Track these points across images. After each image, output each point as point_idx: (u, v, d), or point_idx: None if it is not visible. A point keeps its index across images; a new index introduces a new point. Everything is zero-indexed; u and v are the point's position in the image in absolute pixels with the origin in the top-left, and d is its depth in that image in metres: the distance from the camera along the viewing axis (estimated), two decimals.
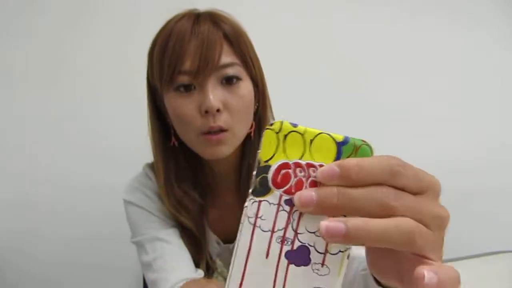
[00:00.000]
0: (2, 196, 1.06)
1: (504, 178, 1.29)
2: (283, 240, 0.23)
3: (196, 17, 0.57)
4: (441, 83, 1.26)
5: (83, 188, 1.08)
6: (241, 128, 0.60)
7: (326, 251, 0.23)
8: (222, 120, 0.56)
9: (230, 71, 0.56)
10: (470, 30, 1.27)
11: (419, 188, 0.24)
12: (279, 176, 0.24)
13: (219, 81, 0.56)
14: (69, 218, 1.09)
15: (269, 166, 0.24)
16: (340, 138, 0.24)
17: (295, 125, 0.24)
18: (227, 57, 0.56)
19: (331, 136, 0.24)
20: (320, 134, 0.24)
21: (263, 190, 0.24)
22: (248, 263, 0.23)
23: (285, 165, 0.24)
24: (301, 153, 0.24)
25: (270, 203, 0.24)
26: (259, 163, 0.24)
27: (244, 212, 0.24)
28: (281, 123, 0.24)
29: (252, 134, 0.63)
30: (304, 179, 0.23)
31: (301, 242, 0.23)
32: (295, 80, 1.13)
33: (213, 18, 0.58)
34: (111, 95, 1.08)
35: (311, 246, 0.23)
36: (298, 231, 0.23)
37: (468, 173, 1.26)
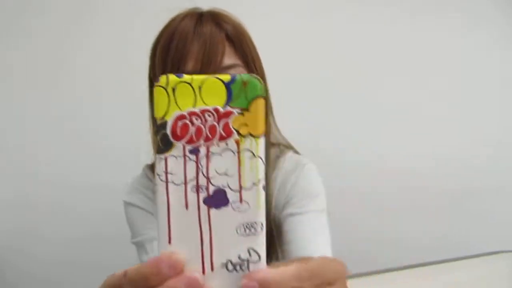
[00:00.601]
0: (2, 196, 1.07)
1: (503, 177, 1.29)
2: (197, 188, 0.24)
3: (199, 17, 0.58)
4: (440, 83, 1.26)
5: (83, 188, 1.08)
6: None
7: (241, 187, 0.24)
8: None
9: (232, 73, 0.57)
10: (470, 30, 1.27)
11: (328, 282, 0.24)
12: (178, 129, 0.24)
13: None
14: (69, 218, 1.09)
15: (166, 122, 0.24)
16: (227, 77, 0.24)
17: (180, 76, 0.24)
18: (229, 58, 0.56)
19: (218, 78, 0.24)
20: (207, 79, 0.24)
21: (166, 146, 0.24)
22: (171, 219, 0.24)
23: (180, 117, 0.24)
24: (193, 101, 0.24)
25: (176, 157, 0.24)
26: (156, 122, 0.24)
27: (155, 172, 0.24)
28: (167, 77, 0.24)
29: None
30: (202, 126, 0.24)
31: (215, 186, 0.24)
32: (294, 80, 1.13)
33: (216, 19, 0.58)
34: (111, 95, 1.08)
35: (225, 187, 0.24)
36: (209, 176, 0.24)
37: (467, 173, 1.26)
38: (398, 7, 1.22)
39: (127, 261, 1.01)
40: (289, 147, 0.70)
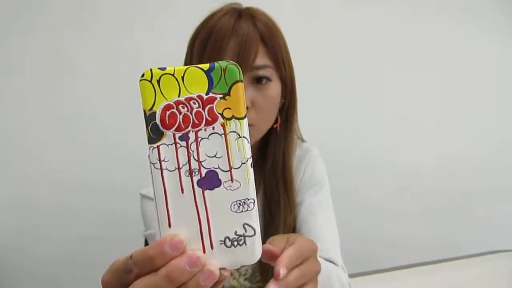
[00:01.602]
0: (1, 195, 1.07)
1: (503, 177, 1.30)
2: (190, 172, 0.26)
3: (238, 15, 0.59)
4: (441, 83, 1.27)
5: (84, 187, 1.08)
6: (266, 123, 0.62)
7: (231, 167, 0.26)
8: (249, 117, 0.57)
9: (262, 73, 0.58)
10: (472, 31, 1.27)
11: (306, 258, 0.32)
12: (166, 118, 0.26)
13: (250, 81, 0.58)
14: (69, 217, 1.09)
15: (155, 112, 0.26)
16: (206, 66, 0.26)
17: (163, 69, 0.26)
18: (261, 59, 0.57)
19: (198, 67, 0.26)
20: (188, 69, 0.26)
21: (156, 136, 0.26)
22: (168, 204, 0.26)
23: (168, 106, 0.26)
24: (177, 91, 0.26)
25: (167, 145, 0.26)
26: (145, 114, 0.26)
27: (148, 162, 0.26)
28: (150, 70, 0.25)
29: (277, 128, 0.65)
30: (188, 113, 0.26)
31: (207, 168, 0.26)
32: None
33: (253, 18, 0.59)
34: (112, 95, 1.08)
35: (216, 168, 0.26)
36: (200, 160, 0.26)
37: (467, 173, 1.27)
38: (399, 8, 1.23)
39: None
40: (299, 137, 0.74)
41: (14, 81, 1.06)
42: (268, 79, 0.59)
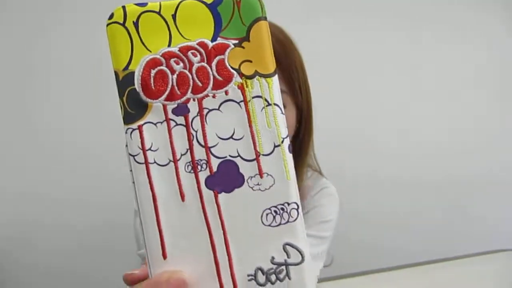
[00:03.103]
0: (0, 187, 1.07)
1: (503, 176, 1.29)
2: (194, 166, 0.16)
3: None
4: (442, 83, 1.27)
5: (89, 179, 1.09)
6: None
7: (257, 154, 0.16)
8: None
9: None
10: (462, 38, 1.27)
11: None
12: (152, 80, 0.16)
13: None
14: (72, 209, 1.09)
15: (132, 73, 0.16)
16: None
17: (143, 5, 0.16)
18: None
19: (198, 0, 0.17)
20: (182, 3, 0.16)
21: (137, 109, 0.16)
22: (161, 220, 0.16)
23: (153, 62, 0.16)
24: (167, 37, 0.16)
25: (155, 124, 0.16)
26: (117, 77, 0.16)
27: (126, 153, 0.16)
28: (123, 8, 0.16)
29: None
30: (186, 71, 0.16)
31: (220, 157, 0.16)
32: None
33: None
34: (112, 97, 1.08)
35: (234, 157, 0.16)
36: (209, 145, 0.16)
37: (467, 172, 1.26)
38: (389, 16, 1.23)
39: (127, 256, 1.01)
40: (317, 170, 0.64)
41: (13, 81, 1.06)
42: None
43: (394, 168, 1.23)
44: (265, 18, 0.17)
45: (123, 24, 0.16)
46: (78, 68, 1.08)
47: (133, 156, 0.16)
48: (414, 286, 0.86)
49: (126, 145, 0.16)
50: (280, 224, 0.16)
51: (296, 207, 0.16)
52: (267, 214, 0.16)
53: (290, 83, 0.51)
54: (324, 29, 1.18)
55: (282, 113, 0.17)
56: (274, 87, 0.17)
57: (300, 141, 0.56)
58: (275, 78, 0.17)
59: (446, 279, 0.88)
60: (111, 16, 0.16)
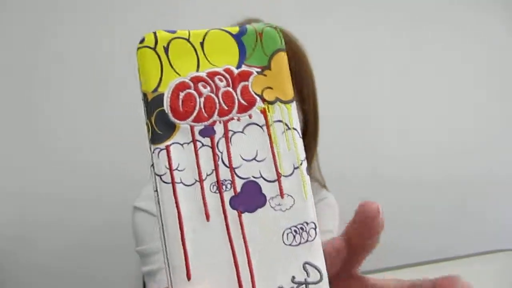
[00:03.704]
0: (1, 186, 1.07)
1: (503, 176, 1.29)
2: (219, 185, 0.17)
3: None
4: (443, 82, 1.27)
5: (89, 177, 1.09)
6: None
7: (279, 175, 0.17)
8: None
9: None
10: (465, 42, 1.27)
11: None
12: (180, 102, 0.17)
13: None
14: (72, 208, 1.10)
15: (161, 95, 0.17)
16: (235, 29, 0.18)
17: (173, 31, 0.18)
18: None
19: (224, 30, 0.18)
20: (210, 32, 0.18)
21: (165, 130, 0.17)
22: (186, 240, 0.16)
23: (181, 85, 0.17)
24: (195, 63, 0.17)
25: (182, 144, 0.17)
26: (145, 98, 0.17)
27: (152, 173, 0.17)
28: (154, 33, 0.17)
29: None
30: (213, 95, 0.17)
31: (244, 178, 0.17)
32: None
33: None
34: (112, 97, 1.08)
35: (257, 178, 0.17)
36: (233, 166, 0.17)
37: (466, 171, 1.26)
38: (388, 16, 1.23)
39: (127, 256, 1.00)
40: (321, 183, 0.63)
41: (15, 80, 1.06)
42: None
43: (394, 168, 1.23)
44: (284, 49, 0.18)
45: (154, 49, 0.17)
46: (78, 68, 1.08)
47: (160, 175, 0.17)
48: None
49: (152, 165, 0.17)
50: (300, 243, 0.17)
51: (314, 226, 0.17)
52: (287, 234, 0.17)
53: (298, 92, 0.51)
54: (324, 30, 1.18)
55: (300, 137, 0.18)
56: (293, 113, 0.18)
57: (305, 149, 0.55)
58: (294, 104, 0.18)
59: None
60: (142, 41, 0.17)
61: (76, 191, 1.08)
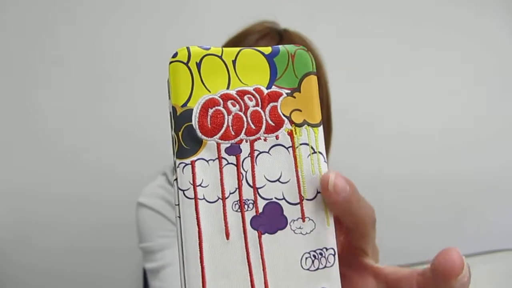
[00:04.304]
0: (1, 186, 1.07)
1: (503, 176, 1.29)
2: (241, 205, 0.17)
3: (279, 40, 0.51)
4: (445, 82, 1.27)
5: (91, 176, 1.09)
6: None
7: (301, 198, 0.17)
8: None
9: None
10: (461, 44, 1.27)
11: None
12: (209, 119, 0.17)
13: None
14: (72, 207, 1.10)
15: (191, 110, 0.17)
16: (268, 49, 0.18)
17: (206, 48, 0.18)
18: None
19: (257, 50, 0.18)
20: (243, 51, 0.18)
21: (192, 145, 0.17)
22: (204, 255, 0.16)
23: (211, 102, 0.17)
24: (226, 80, 0.18)
25: (207, 161, 0.17)
26: (174, 112, 0.17)
27: (175, 187, 0.17)
28: (187, 49, 0.17)
29: None
30: (241, 114, 0.17)
31: (266, 199, 0.17)
32: None
33: None
34: (112, 97, 1.08)
35: (280, 199, 0.17)
36: (257, 186, 0.17)
37: (466, 171, 1.26)
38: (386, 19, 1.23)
39: (127, 256, 1.01)
40: None
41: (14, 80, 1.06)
42: None
43: (394, 168, 1.23)
44: (315, 73, 0.18)
45: (186, 64, 0.17)
46: (79, 68, 1.08)
47: (183, 190, 0.17)
48: None
49: (175, 179, 0.17)
50: (318, 268, 0.17)
51: (333, 253, 0.17)
52: (306, 258, 0.17)
53: None
54: (324, 30, 1.18)
55: (325, 161, 0.18)
56: (319, 136, 0.18)
57: None
58: (321, 128, 0.18)
59: None
60: (175, 55, 0.17)
61: (76, 191, 1.08)
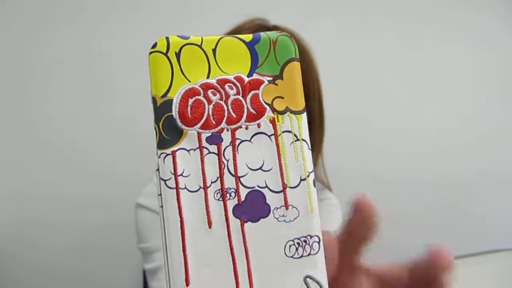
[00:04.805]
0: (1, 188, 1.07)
1: (503, 176, 1.29)
2: (223, 193, 0.17)
3: None
4: (445, 82, 1.27)
5: (90, 176, 1.09)
6: None
7: (284, 186, 0.17)
8: None
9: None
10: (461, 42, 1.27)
11: None
12: (189, 108, 0.17)
13: None
14: (73, 207, 1.10)
15: (170, 101, 0.17)
16: (249, 37, 0.18)
17: (186, 37, 0.17)
18: None
19: (238, 38, 0.18)
20: (223, 39, 0.18)
21: (172, 135, 0.17)
22: (186, 245, 0.16)
23: (191, 92, 0.17)
24: (206, 69, 0.17)
25: (188, 150, 0.17)
26: (155, 103, 0.17)
27: (157, 177, 0.17)
28: (167, 39, 0.17)
29: None
30: (222, 103, 0.17)
31: (248, 187, 0.17)
32: None
33: None
34: (112, 97, 1.08)
35: (262, 187, 0.17)
36: (239, 174, 0.17)
37: (466, 171, 1.26)
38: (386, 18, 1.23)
39: (127, 255, 1.00)
40: (324, 184, 0.63)
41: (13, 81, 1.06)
42: None
43: (394, 168, 1.23)
44: (298, 59, 0.18)
45: (166, 54, 0.17)
46: (78, 68, 1.08)
47: (165, 180, 0.17)
48: None
49: (157, 169, 0.17)
50: (302, 256, 0.17)
51: (318, 240, 0.17)
52: (290, 246, 0.17)
53: (306, 90, 0.51)
54: (324, 30, 1.18)
55: (309, 148, 0.18)
56: (303, 123, 0.18)
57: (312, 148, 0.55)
58: (304, 115, 0.18)
59: None
60: (154, 45, 0.17)
61: (76, 191, 1.08)
